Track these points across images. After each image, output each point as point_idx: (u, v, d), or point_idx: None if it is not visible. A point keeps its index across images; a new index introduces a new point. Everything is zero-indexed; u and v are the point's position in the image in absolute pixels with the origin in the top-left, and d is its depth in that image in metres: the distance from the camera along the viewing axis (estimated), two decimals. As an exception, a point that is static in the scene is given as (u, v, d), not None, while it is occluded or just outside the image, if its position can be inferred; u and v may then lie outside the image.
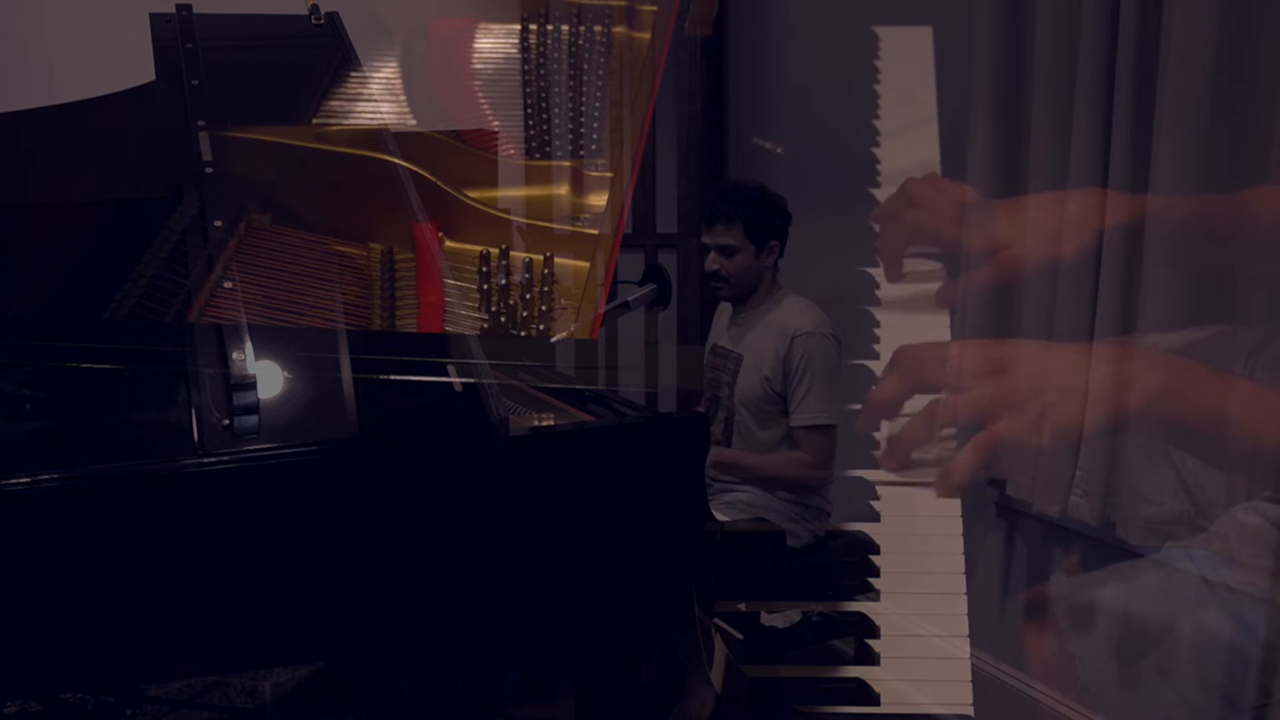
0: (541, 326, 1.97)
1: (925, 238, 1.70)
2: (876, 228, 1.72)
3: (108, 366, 1.76)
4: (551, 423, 1.97)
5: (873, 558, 1.74)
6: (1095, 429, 1.90)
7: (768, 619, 2.23)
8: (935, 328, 1.87)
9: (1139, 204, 1.96)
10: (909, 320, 1.85)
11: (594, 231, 2.12)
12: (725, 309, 2.64)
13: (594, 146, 2.29)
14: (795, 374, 2.39)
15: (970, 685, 1.61)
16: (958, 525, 1.78)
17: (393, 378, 1.78)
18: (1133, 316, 2.04)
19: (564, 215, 2.20)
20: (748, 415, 2.47)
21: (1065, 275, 2.21)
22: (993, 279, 1.73)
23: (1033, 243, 1.72)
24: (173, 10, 2.32)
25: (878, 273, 1.79)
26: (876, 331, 1.82)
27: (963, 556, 1.70)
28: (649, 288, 2.42)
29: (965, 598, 1.66)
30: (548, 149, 2.30)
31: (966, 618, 1.65)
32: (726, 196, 2.52)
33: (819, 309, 2.48)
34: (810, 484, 2.44)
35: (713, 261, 2.51)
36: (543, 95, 2.37)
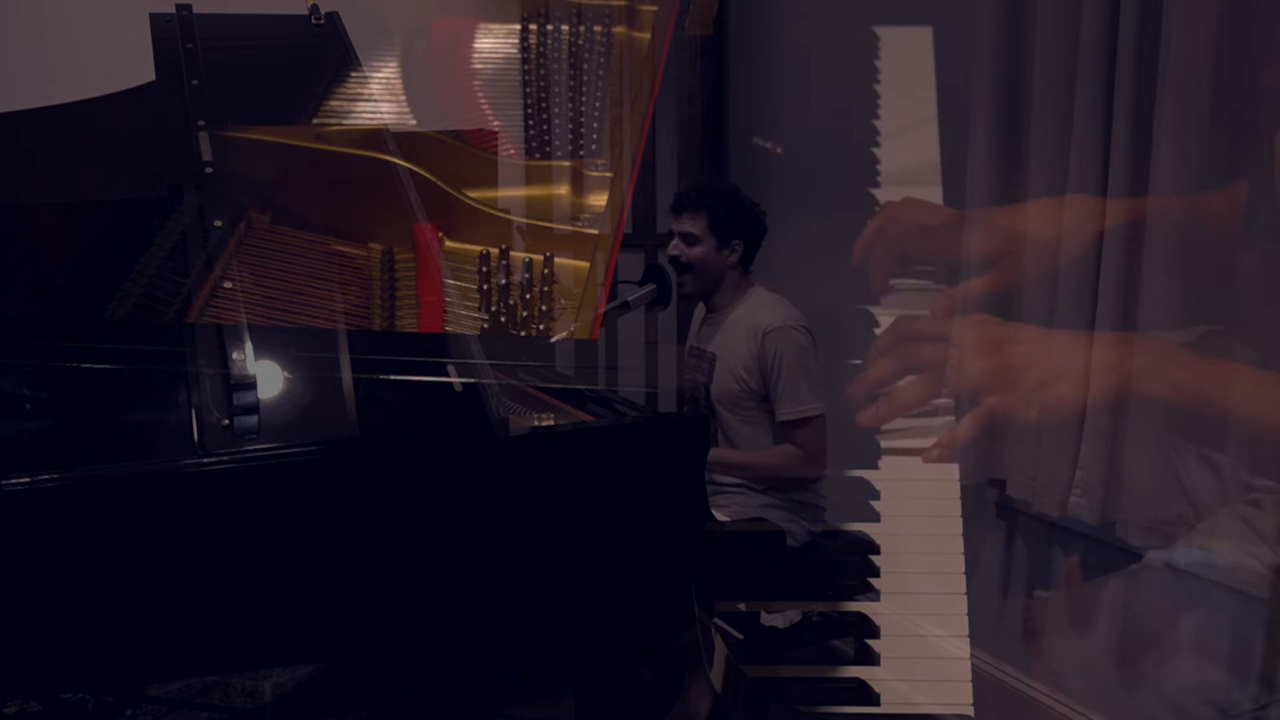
0: (541, 326, 1.97)
1: (915, 243, 1.71)
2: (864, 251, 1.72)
3: (108, 366, 1.75)
4: (551, 423, 1.97)
5: (873, 558, 1.73)
6: (1085, 409, 1.90)
7: (768, 619, 2.22)
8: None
9: (1136, 207, 1.96)
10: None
11: (594, 231, 2.12)
12: (700, 309, 2.64)
13: (594, 146, 2.28)
14: (772, 371, 2.39)
15: (970, 685, 1.60)
16: (958, 525, 1.77)
17: (393, 378, 1.78)
18: (1133, 316, 2.04)
19: (564, 215, 2.20)
20: (727, 415, 2.47)
21: (1065, 278, 2.21)
22: (992, 286, 1.73)
23: (1032, 248, 1.72)
24: (173, 10, 2.32)
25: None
26: (877, 332, 1.81)
27: (963, 556, 1.70)
28: (649, 288, 2.42)
29: (965, 598, 1.66)
30: (548, 149, 2.30)
31: (966, 618, 1.64)
32: (698, 187, 2.55)
33: (787, 303, 2.48)
34: (806, 477, 2.44)
35: (674, 246, 2.51)
36: (543, 95, 2.37)
